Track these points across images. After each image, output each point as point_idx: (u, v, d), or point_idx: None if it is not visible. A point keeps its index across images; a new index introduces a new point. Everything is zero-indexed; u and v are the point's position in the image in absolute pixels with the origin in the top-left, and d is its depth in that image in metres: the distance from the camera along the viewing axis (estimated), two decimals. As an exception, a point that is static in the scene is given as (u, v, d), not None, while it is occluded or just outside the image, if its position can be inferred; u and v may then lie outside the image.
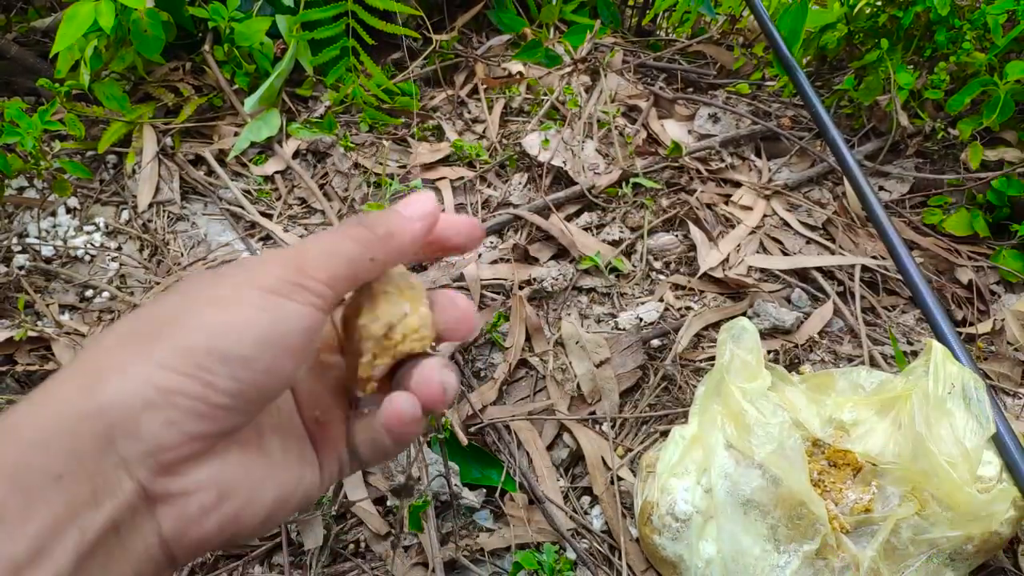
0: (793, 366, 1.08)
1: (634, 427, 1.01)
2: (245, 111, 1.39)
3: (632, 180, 1.32)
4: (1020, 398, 1.06)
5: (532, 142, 1.36)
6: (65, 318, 1.10)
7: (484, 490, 0.93)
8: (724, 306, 1.15)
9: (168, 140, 1.35)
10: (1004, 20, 1.27)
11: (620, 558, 0.87)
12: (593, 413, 1.01)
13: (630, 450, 0.98)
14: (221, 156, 1.36)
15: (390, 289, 0.36)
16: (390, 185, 1.31)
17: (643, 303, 1.15)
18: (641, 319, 1.12)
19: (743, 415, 0.81)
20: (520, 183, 1.34)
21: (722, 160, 1.41)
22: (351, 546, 0.90)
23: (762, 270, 1.21)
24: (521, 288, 1.15)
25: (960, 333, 1.05)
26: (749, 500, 0.78)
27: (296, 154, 1.38)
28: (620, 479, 0.94)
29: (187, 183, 1.32)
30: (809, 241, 1.27)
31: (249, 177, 1.34)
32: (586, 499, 0.95)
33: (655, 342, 1.09)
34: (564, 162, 1.33)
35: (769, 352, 1.08)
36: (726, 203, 1.33)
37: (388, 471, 0.94)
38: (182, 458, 0.29)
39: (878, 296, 1.19)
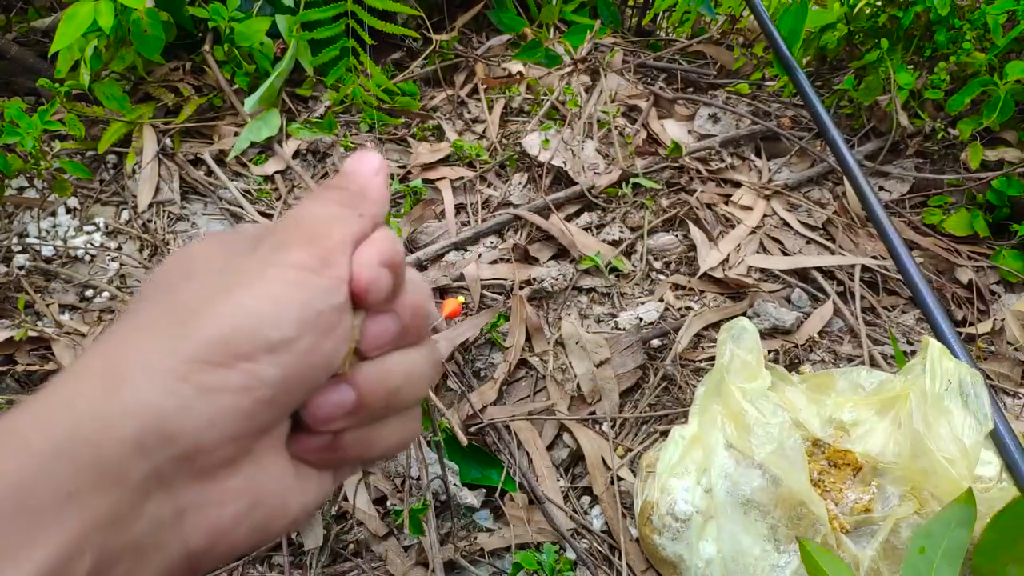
0: (793, 366, 1.08)
1: (634, 427, 1.01)
2: (245, 111, 1.39)
3: (632, 180, 1.32)
4: (1020, 398, 1.06)
5: (532, 142, 1.36)
6: (65, 318, 1.10)
7: (484, 490, 0.93)
8: (724, 306, 1.15)
9: (168, 140, 1.35)
10: (1004, 20, 1.27)
11: (620, 558, 0.87)
12: (593, 413, 1.01)
13: (630, 450, 0.98)
14: (221, 156, 1.36)
15: None
16: (390, 185, 1.31)
17: (643, 303, 1.15)
18: (641, 319, 1.12)
19: (743, 415, 0.81)
20: (520, 183, 1.34)
21: (722, 160, 1.41)
22: (351, 546, 0.90)
23: (762, 270, 1.21)
24: (521, 288, 1.15)
25: (960, 333, 1.05)
26: (749, 500, 0.78)
27: (296, 154, 1.38)
28: (620, 479, 0.94)
29: (187, 183, 1.32)
30: (809, 241, 1.27)
31: (249, 177, 1.34)
32: (586, 499, 0.95)
33: (655, 342, 1.09)
34: (564, 162, 1.33)
35: (769, 352, 1.08)
36: (726, 203, 1.33)
37: (388, 471, 0.94)
38: (221, 462, 0.26)
39: (878, 296, 1.19)
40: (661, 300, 1.15)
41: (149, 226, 1.24)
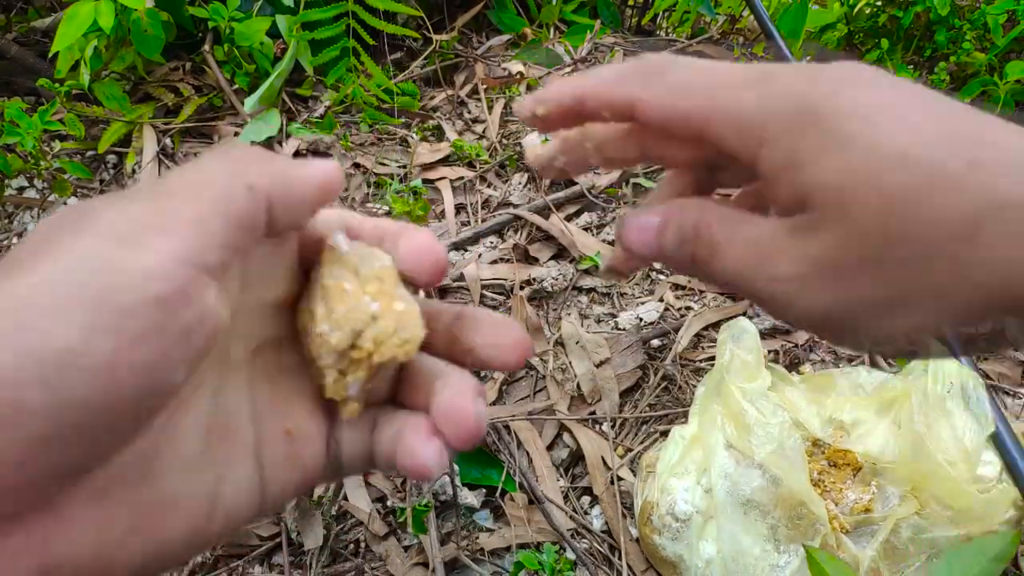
0: (793, 366, 1.08)
1: (634, 427, 1.01)
2: (245, 111, 1.39)
3: (632, 180, 1.32)
4: (1020, 398, 1.06)
5: (532, 142, 1.36)
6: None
7: (484, 490, 0.93)
8: (724, 306, 1.15)
9: (168, 140, 1.35)
10: (1004, 20, 1.27)
11: (620, 558, 0.87)
12: (593, 413, 1.01)
13: (630, 450, 0.98)
14: (221, 156, 1.36)
15: (347, 278, 0.27)
16: (390, 185, 1.31)
17: (643, 303, 1.15)
18: (641, 319, 1.12)
19: (743, 415, 0.81)
20: (520, 183, 1.34)
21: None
22: (351, 546, 0.90)
23: (762, 270, 1.21)
24: (521, 288, 1.15)
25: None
26: (749, 500, 0.78)
27: (296, 154, 1.38)
28: (620, 479, 0.94)
29: (187, 183, 1.32)
30: (809, 241, 1.27)
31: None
32: (586, 499, 0.95)
33: (655, 342, 1.09)
34: (564, 162, 1.33)
35: (769, 352, 1.08)
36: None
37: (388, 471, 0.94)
38: (32, 504, 0.19)
39: (878, 296, 1.19)
40: (661, 300, 1.15)
41: (149, 226, 1.24)
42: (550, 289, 1.15)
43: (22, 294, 0.18)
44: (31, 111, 1.12)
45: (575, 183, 1.31)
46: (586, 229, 1.26)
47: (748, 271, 0.27)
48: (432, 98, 1.55)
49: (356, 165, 1.37)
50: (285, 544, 0.88)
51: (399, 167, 1.39)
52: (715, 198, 0.31)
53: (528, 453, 0.97)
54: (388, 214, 1.21)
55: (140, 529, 0.22)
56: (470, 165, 1.38)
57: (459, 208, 1.31)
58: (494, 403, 1.02)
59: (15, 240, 1.18)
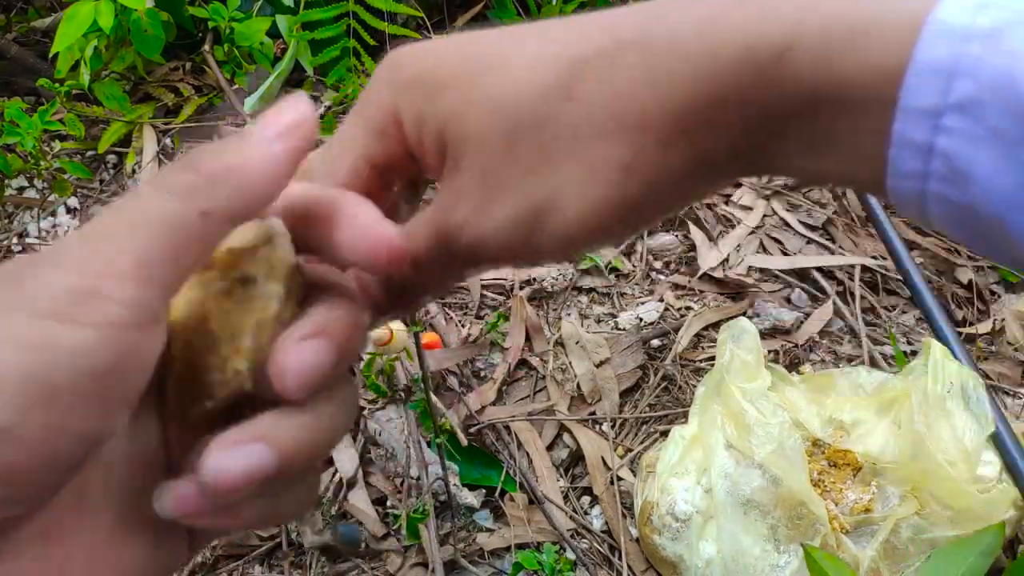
0: (793, 366, 1.08)
1: (634, 427, 1.01)
2: (245, 111, 1.39)
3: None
4: (1020, 398, 1.06)
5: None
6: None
7: (484, 490, 0.93)
8: (724, 306, 1.15)
9: (168, 140, 1.35)
10: None
11: (620, 558, 0.87)
12: (593, 413, 1.01)
13: (630, 450, 0.98)
14: (221, 156, 1.36)
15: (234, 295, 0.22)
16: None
17: (643, 303, 1.15)
18: (641, 319, 1.12)
19: (743, 415, 0.81)
20: (520, 183, 1.35)
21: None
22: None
23: (762, 270, 1.21)
24: (521, 288, 1.15)
25: (960, 333, 1.05)
26: (749, 500, 0.78)
27: (296, 154, 1.38)
28: (620, 479, 0.94)
29: (187, 183, 1.32)
30: (809, 241, 1.27)
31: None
32: (586, 499, 0.95)
33: (655, 342, 1.09)
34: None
35: (769, 352, 1.08)
36: (726, 203, 1.33)
37: (388, 471, 0.94)
38: None
39: (878, 296, 1.19)
40: (661, 300, 1.15)
41: (149, 226, 1.24)
42: (550, 289, 1.15)
43: None
44: (31, 111, 1.12)
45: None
46: (586, 229, 1.26)
47: (442, 247, 0.25)
48: (432, 98, 1.55)
49: (356, 165, 1.37)
50: (285, 544, 0.88)
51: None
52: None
53: (528, 453, 0.97)
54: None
55: None
56: (470, 165, 1.38)
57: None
58: (494, 403, 1.02)
59: (15, 240, 1.18)
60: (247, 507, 0.22)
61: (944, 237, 1.29)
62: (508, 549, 0.89)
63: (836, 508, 0.80)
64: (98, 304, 0.19)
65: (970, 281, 1.21)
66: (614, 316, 1.13)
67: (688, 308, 1.15)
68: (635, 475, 0.93)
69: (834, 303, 1.15)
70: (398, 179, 0.28)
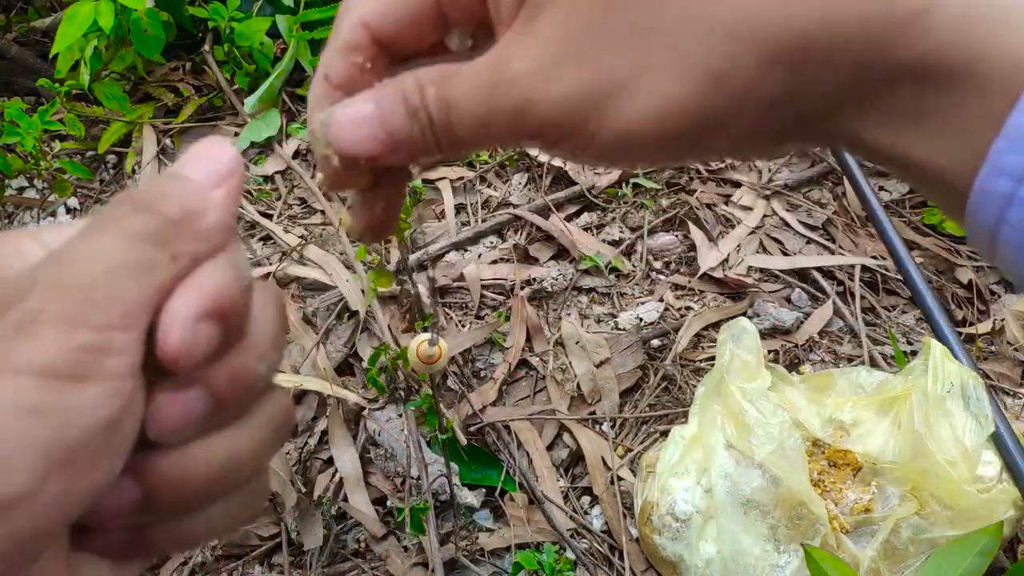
0: (793, 366, 1.08)
1: (634, 427, 1.01)
2: (245, 111, 1.39)
3: (632, 180, 1.32)
4: (1020, 398, 1.06)
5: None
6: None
7: (484, 490, 0.93)
8: (724, 306, 1.15)
9: (168, 140, 1.35)
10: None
11: (620, 558, 0.87)
12: (593, 413, 1.01)
13: (630, 450, 0.98)
14: (221, 156, 1.36)
15: None
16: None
17: (643, 303, 1.15)
18: (641, 319, 1.12)
19: (743, 415, 0.81)
20: (520, 183, 1.34)
21: (722, 160, 1.41)
22: (351, 546, 0.90)
23: (762, 270, 1.21)
24: (521, 288, 1.15)
25: (960, 333, 1.05)
26: (749, 500, 0.78)
27: (296, 154, 1.38)
28: (620, 479, 0.94)
29: (187, 183, 1.32)
30: (809, 241, 1.27)
31: (249, 177, 1.34)
32: (586, 499, 0.95)
33: (655, 342, 1.09)
34: (564, 162, 1.33)
35: (769, 352, 1.08)
36: (726, 203, 1.33)
37: (388, 471, 0.94)
38: None
39: (878, 296, 1.19)
40: (661, 300, 1.15)
41: (149, 226, 1.24)
42: (550, 289, 1.15)
43: None
44: (31, 111, 1.12)
45: (575, 183, 1.31)
46: (586, 229, 1.26)
47: (489, 99, 0.23)
48: (432, 98, 1.55)
49: (356, 165, 1.37)
50: (285, 544, 0.88)
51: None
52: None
53: (528, 453, 0.97)
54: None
55: None
56: (470, 165, 1.38)
57: (459, 208, 1.31)
58: (494, 403, 1.02)
59: (15, 240, 1.18)
60: (193, 520, 0.22)
61: (944, 237, 1.29)
62: (508, 549, 0.89)
63: (836, 508, 0.80)
64: (104, 359, 0.18)
65: (970, 281, 1.21)
66: (614, 316, 1.13)
67: (688, 308, 1.15)
68: (635, 475, 0.93)
69: (834, 303, 1.15)
70: (458, 20, 0.26)
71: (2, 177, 1.14)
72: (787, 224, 1.29)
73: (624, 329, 1.10)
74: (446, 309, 1.13)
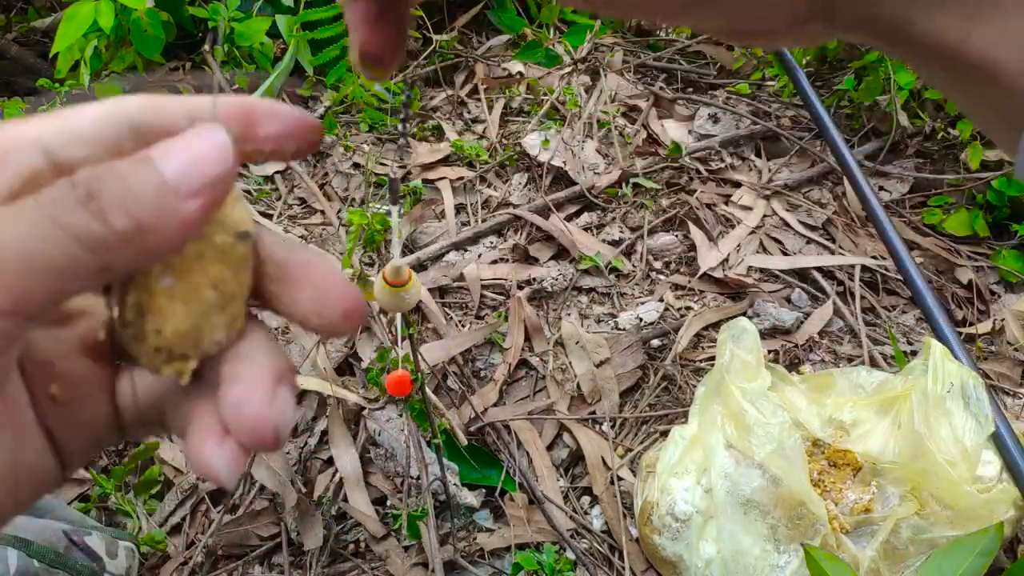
0: (793, 366, 1.08)
1: (634, 427, 1.01)
2: (245, 111, 1.39)
3: (632, 180, 1.32)
4: (1020, 398, 1.06)
5: (532, 142, 1.36)
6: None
7: (484, 490, 0.93)
8: (724, 306, 1.15)
9: (168, 140, 1.35)
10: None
11: (620, 558, 0.87)
12: (593, 413, 1.01)
13: (630, 450, 0.98)
14: (221, 156, 1.36)
15: (195, 274, 0.21)
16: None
17: (643, 303, 1.15)
18: (641, 319, 1.12)
19: (743, 415, 0.81)
20: (520, 183, 1.34)
21: (722, 160, 1.41)
22: (351, 546, 0.90)
23: (762, 270, 1.21)
24: (521, 288, 1.15)
25: (960, 333, 1.05)
26: (749, 500, 0.78)
27: (296, 154, 1.38)
28: (620, 479, 0.94)
29: (187, 183, 1.32)
30: (809, 241, 1.27)
31: (249, 177, 1.34)
32: (586, 499, 0.95)
33: (655, 342, 1.09)
34: (564, 162, 1.33)
35: (769, 352, 1.08)
36: (726, 203, 1.33)
37: (388, 471, 0.94)
38: None
39: (878, 296, 1.19)
40: (661, 300, 1.15)
41: (149, 226, 1.24)
42: (550, 289, 1.15)
43: None
44: (31, 111, 1.12)
45: (575, 183, 1.31)
46: (586, 229, 1.26)
47: None
48: (432, 98, 1.55)
49: (356, 165, 1.37)
50: (285, 544, 0.88)
51: (399, 167, 1.39)
52: None
53: (528, 453, 0.97)
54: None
55: None
56: (470, 165, 1.38)
57: (459, 208, 1.31)
58: (494, 403, 1.02)
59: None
60: None
61: (944, 237, 1.29)
62: (508, 549, 0.89)
63: (836, 508, 0.80)
64: None
65: (970, 281, 1.21)
66: (614, 316, 1.13)
67: (688, 308, 1.15)
68: (635, 475, 0.93)
69: (834, 303, 1.15)
70: None
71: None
72: (787, 224, 1.29)
73: (624, 329, 1.10)
74: (446, 309, 1.13)
